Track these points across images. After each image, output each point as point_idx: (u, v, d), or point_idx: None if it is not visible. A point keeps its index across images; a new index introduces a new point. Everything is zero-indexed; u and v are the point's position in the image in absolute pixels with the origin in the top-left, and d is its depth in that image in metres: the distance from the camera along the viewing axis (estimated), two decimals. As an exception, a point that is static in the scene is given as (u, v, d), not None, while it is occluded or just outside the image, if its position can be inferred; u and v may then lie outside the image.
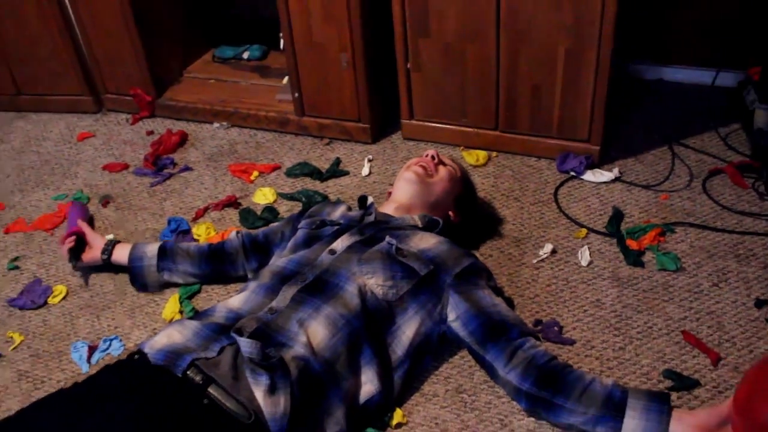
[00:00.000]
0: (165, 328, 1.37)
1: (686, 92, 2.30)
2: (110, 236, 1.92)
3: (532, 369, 1.33)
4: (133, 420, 1.14)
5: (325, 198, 2.00)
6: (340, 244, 1.48)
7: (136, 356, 1.29)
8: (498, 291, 1.54)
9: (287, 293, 1.36)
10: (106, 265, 1.78)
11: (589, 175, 1.97)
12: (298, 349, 1.27)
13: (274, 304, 1.35)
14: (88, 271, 1.82)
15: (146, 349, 1.28)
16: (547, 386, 1.31)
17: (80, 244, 1.79)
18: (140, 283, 1.73)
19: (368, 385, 1.34)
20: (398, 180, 1.67)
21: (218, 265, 1.70)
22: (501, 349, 1.37)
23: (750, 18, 2.15)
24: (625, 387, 1.29)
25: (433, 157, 1.69)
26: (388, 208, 1.63)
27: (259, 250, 1.69)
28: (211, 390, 1.19)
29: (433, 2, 1.92)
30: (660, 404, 1.24)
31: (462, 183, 1.72)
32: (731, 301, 1.57)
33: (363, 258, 1.43)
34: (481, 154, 2.10)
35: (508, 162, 2.08)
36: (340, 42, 2.06)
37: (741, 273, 1.63)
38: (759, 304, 1.55)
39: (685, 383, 1.40)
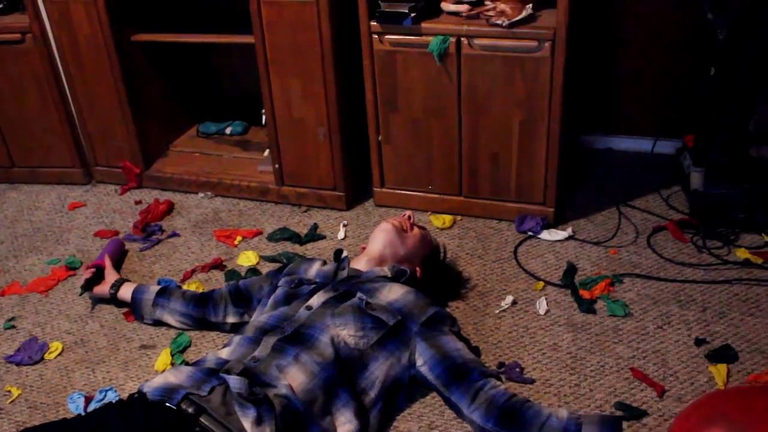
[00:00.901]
0: (162, 373, 1.50)
1: (631, 159, 2.55)
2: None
3: (494, 408, 1.46)
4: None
5: (304, 258, 2.16)
6: (316, 300, 1.63)
7: (135, 395, 1.42)
8: (462, 337, 1.69)
9: (268, 342, 1.51)
10: (112, 300, 1.97)
11: (546, 234, 2.16)
12: (281, 389, 1.41)
13: (256, 353, 1.50)
14: (97, 302, 2.01)
15: (144, 389, 1.41)
16: (509, 424, 1.43)
17: (98, 276, 1.98)
18: (138, 314, 1.92)
19: (347, 425, 1.46)
20: (374, 232, 1.83)
21: (203, 308, 1.86)
22: (464, 391, 1.50)
23: (684, 92, 2.40)
24: (579, 418, 1.42)
25: (409, 217, 1.88)
26: (360, 263, 1.78)
27: (241, 298, 1.84)
28: (203, 419, 1.32)
29: (401, 81, 2.14)
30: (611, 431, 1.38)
31: (430, 246, 1.89)
32: (674, 341, 1.74)
33: (336, 312, 1.57)
34: (447, 218, 2.28)
35: (471, 224, 2.27)
36: (318, 117, 2.26)
37: (683, 316, 1.81)
38: (698, 342, 1.73)
39: (634, 413, 1.55)
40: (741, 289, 1.89)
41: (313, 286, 1.71)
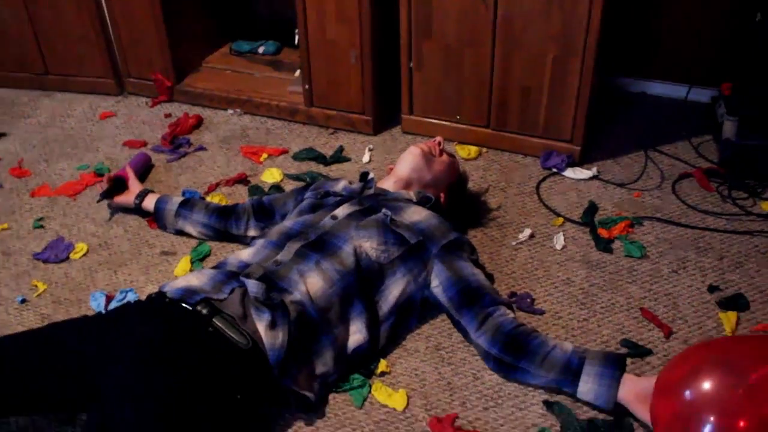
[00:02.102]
0: (186, 275, 1.55)
1: (665, 105, 2.49)
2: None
3: (500, 335, 1.48)
4: (146, 338, 1.31)
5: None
6: (341, 211, 1.65)
7: (154, 295, 1.47)
8: (479, 264, 1.71)
9: (291, 248, 1.54)
10: (137, 209, 2.01)
11: (570, 172, 2.15)
12: (297, 295, 1.44)
13: (279, 257, 1.53)
14: (115, 211, 2.06)
15: (166, 288, 1.46)
16: (513, 351, 1.46)
17: (118, 187, 2.02)
18: (161, 223, 1.96)
19: (357, 334, 1.51)
20: (403, 154, 1.82)
21: (225, 220, 1.89)
22: (474, 315, 1.53)
23: (726, 38, 2.34)
24: (584, 353, 1.43)
25: (439, 143, 1.87)
26: (387, 183, 1.79)
27: (264, 212, 1.87)
28: (216, 320, 1.36)
29: (436, 7, 2.11)
30: (612, 370, 1.38)
31: (457, 174, 1.89)
32: (687, 286, 1.74)
33: (360, 224, 1.60)
34: (473, 149, 2.28)
35: (497, 157, 2.26)
36: (351, 40, 2.24)
37: (699, 263, 1.81)
38: (711, 289, 1.72)
39: (639, 351, 1.56)
40: (762, 241, 1.88)
41: (339, 198, 1.73)
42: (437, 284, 1.60)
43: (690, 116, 2.38)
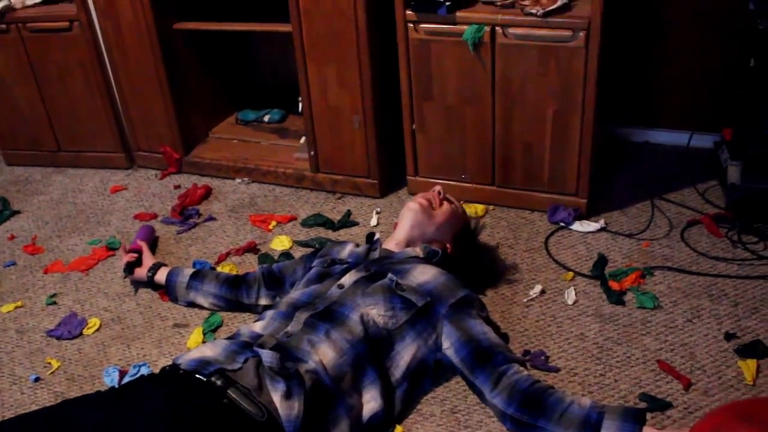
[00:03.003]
0: (199, 346, 1.55)
1: (669, 153, 2.51)
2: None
3: (516, 394, 1.46)
4: (159, 411, 1.31)
5: (336, 244, 2.19)
6: (348, 279, 1.65)
7: (167, 368, 1.47)
8: (490, 321, 1.70)
9: (300, 318, 1.54)
10: (149, 283, 2.02)
11: (577, 226, 2.15)
12: (312, 364, 1.44)
13: (289, 328, 1.53)
14: (139, 285, 2.08)
15: (179, 360, 1.46)
16: (530, 410, 1.44)
17: (138, 260, 2.05)
18: (172, 296, 1.97)
19: (372, 403, 1.49)
20: (403, 211, 1.82)
21: (236, 290, 1.90)
22: (488, 375, 1.51)
23: (723, 85, 2.36)
24: (603, 408, 1.41)
25: (439, 192, 1.87)
26: (390, 244, 1.79)
27: (274, 281, 1.88)
28: (231, 392, 1.35)
29: (435, 70, 2.15)
30: (632, 424, 1.36)
31: (462, 221, 1.88)
32: (703, 335, 1.72)
33: (366, 292, 1.60)
34: (480, 208, 2.29)
35: (503, 214, 2.27)
36: (353, 105, 2.29)
37: (713, 310, 1.79)
38: (728, 337, 1.70)
39: (658, 405, 1.54)
40: (776, 285, 1.87)
41: (345, 265, 1.74)
42: (448, 345, 1.59)
43: (694, 163, 2.40)
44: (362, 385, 1.49)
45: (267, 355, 1.40)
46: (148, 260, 2.05)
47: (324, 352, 1.47)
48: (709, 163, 2.34)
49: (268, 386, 1.38)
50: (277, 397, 1.36)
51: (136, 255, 2.06)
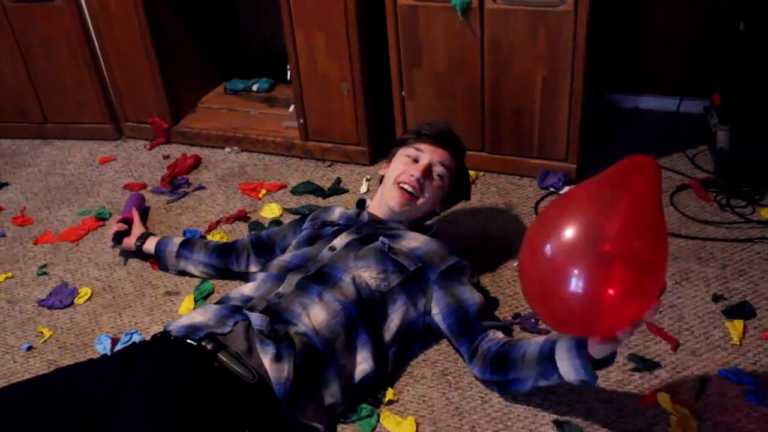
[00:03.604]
0: (189, 312, 1.55)
1: (659, 119, 2.51)
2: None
3: (487, 360, 1.47)
4: (151, 377, 1.32)
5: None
6: (339, 241, 1.66)
7: (158, 335, 1.47)
8: (480, 287, 1.71)
9: (292, 280, 1.54)
10: (138, 252, 2.02)
11: (567, 191, 2.15)
12: (302, 327, 1.44)
13: (280, 289, 1.53)
14: (128, 255, 2.06)
15: (170, 327, 1.46)
16: (500, 369, 1.45)
17: (128, 230, 2.04)
18: (162, 265, 1.97)
19: (363, 364, 1.50)
20: (385, 198, 1.73)
21: (226, 258, 1.90)
22: (467, 347, 1.53)
23: (713, 50, 2.36)
24: (555, 339, 1.35)
25: (418, 180, 1.70)
26: (378, 212, 1.76)
27: (263, 248, 1.87)
28: (221, 355, 1.36)
29: (424, 37, 2.14)
30: (578, 340, 1.29)
31: (446, 188, 1.78)
32: (691, 297, 1.74)
33: (359, 254, 1.60)
34: (470, 174, 2.28)
35: (493, 180, 2.27)
36: (342, 72, 2.27)
37: (701, 273, 1.81)
38: (716, 299, 1.72)
39: (647, 365, 1.56)
40: (764, 247, 1.88)
41: (336, 227, 1.73)
42: (437, 311, 1.60)
43: (683, 128, 2.40)
44: (354, 346, 1.50)
45: (256, 318, 1.41)
46: (138, 229, 2.05)
47: (316, 315, 1.47)
48: (699, 128, 2.34)
49: (258, 349, 1.38)
50: (266, 360, 1.37)
51: (125, 225, 2.05)
